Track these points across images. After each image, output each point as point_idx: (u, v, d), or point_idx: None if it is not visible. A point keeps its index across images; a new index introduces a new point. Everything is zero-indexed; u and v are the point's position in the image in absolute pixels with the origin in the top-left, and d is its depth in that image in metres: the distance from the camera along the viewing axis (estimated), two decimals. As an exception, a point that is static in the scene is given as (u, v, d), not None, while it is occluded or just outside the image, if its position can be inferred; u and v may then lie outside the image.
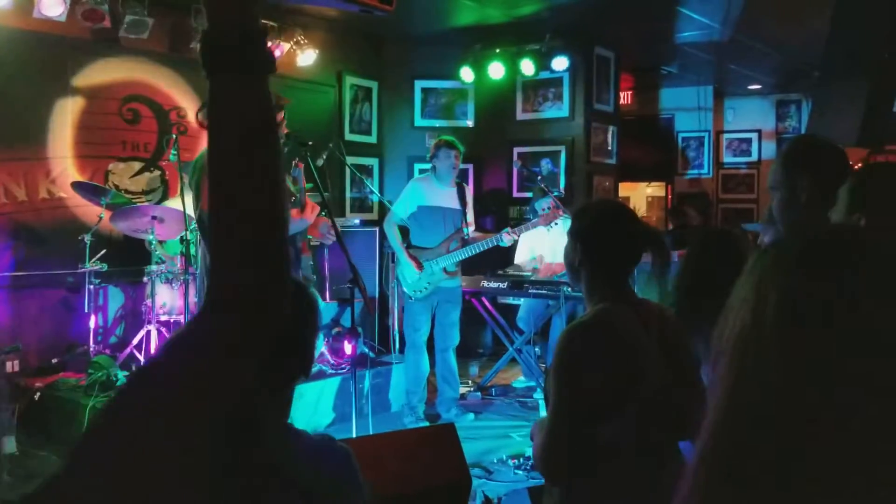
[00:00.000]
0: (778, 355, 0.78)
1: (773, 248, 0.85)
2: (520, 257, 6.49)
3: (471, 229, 5.59)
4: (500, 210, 8.09)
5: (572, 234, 2.09)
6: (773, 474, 0.76)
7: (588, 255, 2.05)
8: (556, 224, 5.64)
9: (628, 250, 2.05)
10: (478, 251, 5.51)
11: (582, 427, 1.92)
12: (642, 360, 1.95)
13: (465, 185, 5.79)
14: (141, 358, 5.31)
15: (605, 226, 2.07)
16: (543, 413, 2.12)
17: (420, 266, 5.37)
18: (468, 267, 5.89)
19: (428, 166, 5.68)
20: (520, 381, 6.59)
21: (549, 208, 6.01)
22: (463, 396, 6.26)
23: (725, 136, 11.32)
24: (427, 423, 5.32)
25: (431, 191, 5.48)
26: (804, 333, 0.77)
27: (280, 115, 3.84)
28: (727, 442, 0.79)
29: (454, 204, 5.50)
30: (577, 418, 1.92)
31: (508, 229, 5.55)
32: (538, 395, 5.99)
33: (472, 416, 5.68)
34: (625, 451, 1.93)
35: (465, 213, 5.54)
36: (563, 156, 7.92)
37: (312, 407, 5.44)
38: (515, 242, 6.27)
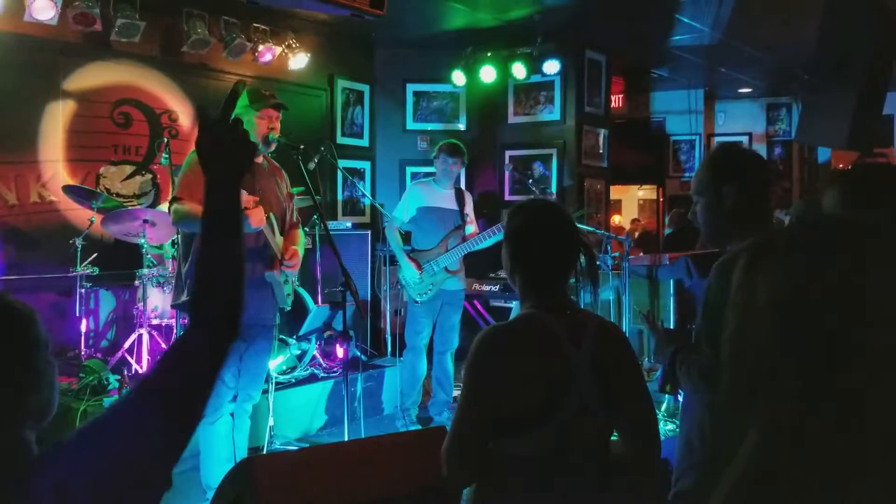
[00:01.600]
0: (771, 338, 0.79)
1: (759, 245, 0.86)
2: None
3: (473, 227, 5.59)
4: (492, 213, 8.09)
5: (504, 236, 2.01)
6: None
7: (518, 259, 1.97)
8: None
9: (558, 254, 1.95)
10: (478, 245, 5.46)
11: (488, 434, 1.84)
12: (562, 373, 1.83)
13: (464, 190, 5.81)
14: (132, 362, 5.30)
15: (534, 228, 1.97)
16: None
17: (419, 267, 5.37)
18: (470, 270, 5.89)
19: (420, 170, 5.70)
20: None
21: None
22: (455, 399, 6.26)
23: (716, 139, 11.38)
24: (419, 427, 5.33)
25: (430, 193, 5.49)
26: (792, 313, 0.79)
27: (276, 117, 3.82)
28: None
29: (452, 205, 5.52)
30: (481, 423, 1.83)
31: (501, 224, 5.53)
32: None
33: None
34: (535, 467, 1.83)
35: (463, 213, 5.54)
36: (554, 159, 7.94)
37: (304, 410, 5.44)
38: None
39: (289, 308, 4.00)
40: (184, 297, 3.68)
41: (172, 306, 4.48)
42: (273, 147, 3.83)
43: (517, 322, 1.94)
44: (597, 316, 2.01)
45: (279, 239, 3.85)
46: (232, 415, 3.80)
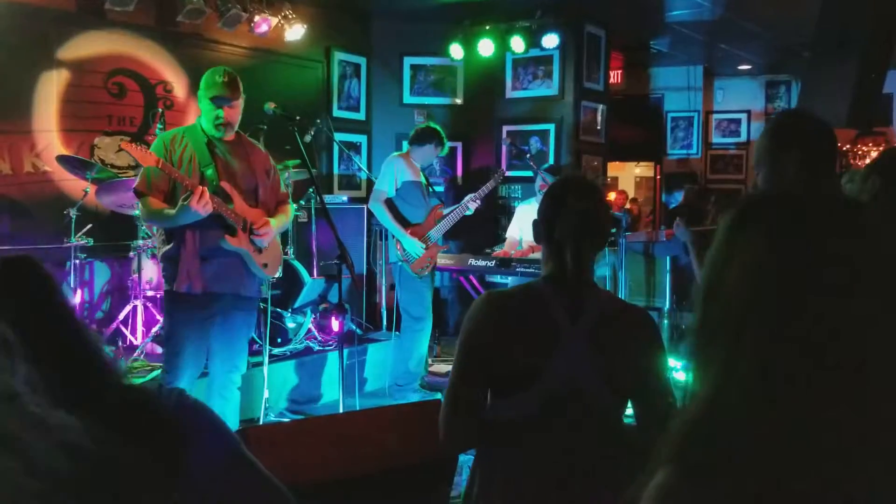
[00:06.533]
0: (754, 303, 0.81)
1: (734, 211, 0.89)
2: (511, 231, 6.53)
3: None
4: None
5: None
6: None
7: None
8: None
9: (565, 230, 1.91)
10: (454, 222, 5.58)
11: (481, 395, 1.89)
12: (550, 343, 1.84)
13: None
14: (127, 333, 5.29)
15: (548, 204, 1.98)
16: None
17: (426, 241, 5.38)
18: (466, 246, 5.89)
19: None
20: None
21: (545, 185, 6.08)
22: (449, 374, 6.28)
23: (715, 116, 11.33)
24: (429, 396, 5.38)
25: (410, 167, 5.49)
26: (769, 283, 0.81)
27: (238, 106, 3.76)
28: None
29: (422, 179, 5.56)
30: (473, 383, 1.89)
31: (472, 195, 5.59)
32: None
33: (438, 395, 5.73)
34: (522, 432, 1.86)
35: (428, 188, 5.64)
36: (552, 134, 7.90)
37: (299, 383, 5.45)
38: (511, 217, 6.37)
39: (271, 279, 3.99)
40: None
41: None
42: (228, 133, 3.75)
43: (514, 288, 2.00)
44: (615, 298, 2.02)
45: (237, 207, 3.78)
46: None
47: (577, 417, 1.87)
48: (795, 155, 2.05)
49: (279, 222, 3.93)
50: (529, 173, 6.44)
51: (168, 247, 3.70)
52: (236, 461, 1.32)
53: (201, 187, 3.51)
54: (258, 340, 5.03)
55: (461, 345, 1.91)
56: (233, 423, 3.92)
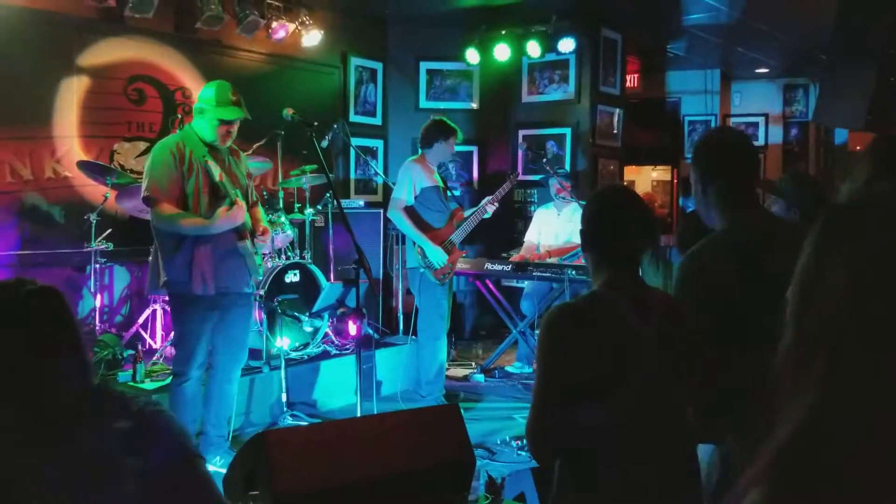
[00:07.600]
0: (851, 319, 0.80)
1: (825, 220, 0.88)
2: (529, 236, 6.52)
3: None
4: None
5: (581, 219, 2.12)
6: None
7: (589, 241, 2.07)
8: (566, 204, 5.80)
9: (624, 237, 2.02)
10: (473, 226, 5.56)
11: (565, 407, 1.92)
12: (631, 347, 1.91)
13: None
14: (146, 336, 5.34)
15: (602, 212, 2.07)
16: None
17: (448, 246, 5.36)
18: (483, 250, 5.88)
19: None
20: (514, 366, 6.54)
21: (561, 189, 6.07)
22: (466, 378, 6.28)
23: (732, 119, 11.27)
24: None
25: (427, 171, 5.42)
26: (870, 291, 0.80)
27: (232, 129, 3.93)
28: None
29: (440, 183, 5.52)
30: (559, 395, 1.93)
31: (489, 198, 5.56)
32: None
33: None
34: (611, 437, 1.91)
35: (447, 189, 5.60)
36: (568, 138, 7.89)
37: (317, 386, 5.47)
38: (527, 222, 6.35)
39: (260, 277, 4.27)
40: (163, 279, 3.93)
41: (151, 293, 5.03)
42: (229, 142, 3.94)
43: (582, 298, 2.06)
44: (665, 294, 2.10)
45: (247, 214, 4.02)
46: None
47: (661, 417, 1.94)
48: (696, 174, 2.21)
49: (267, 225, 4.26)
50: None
51: (178, 252, 3.85)
52: (183, 470, 1.46)
53: (241, 202, 3.80)
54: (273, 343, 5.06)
55: (543, 360, 1.96)
56: (227, 413, 4.19)
